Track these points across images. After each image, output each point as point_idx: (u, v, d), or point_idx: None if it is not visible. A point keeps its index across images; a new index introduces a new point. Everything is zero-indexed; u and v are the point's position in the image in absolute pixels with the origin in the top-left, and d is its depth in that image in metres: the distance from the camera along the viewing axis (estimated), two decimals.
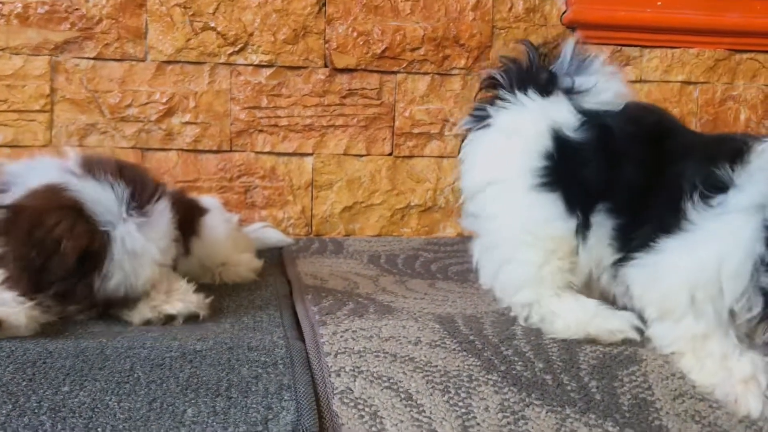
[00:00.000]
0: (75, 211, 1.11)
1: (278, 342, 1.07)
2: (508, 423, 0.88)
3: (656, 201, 1.01)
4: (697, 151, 0.99)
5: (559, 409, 0.91)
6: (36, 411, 0.82)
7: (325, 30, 2.05)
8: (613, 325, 1.05)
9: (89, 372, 0.92)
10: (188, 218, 1.37)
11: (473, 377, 0.97)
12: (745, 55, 2.20)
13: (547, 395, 0.94)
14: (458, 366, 1.00)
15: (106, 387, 0.88)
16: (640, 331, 1.05)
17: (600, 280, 1.13)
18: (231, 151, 2.05)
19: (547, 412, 0.90)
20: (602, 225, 1.07)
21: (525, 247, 1.09)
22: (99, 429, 0.80)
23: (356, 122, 2.09)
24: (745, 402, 0.91)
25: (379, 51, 2.07)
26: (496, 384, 0.96)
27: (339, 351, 1.03)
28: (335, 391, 0.93)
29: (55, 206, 1.10)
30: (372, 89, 2.09)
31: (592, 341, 1.05)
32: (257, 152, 2.07)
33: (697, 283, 0.93)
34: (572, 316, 1.07)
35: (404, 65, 2.09)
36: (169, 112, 2.01)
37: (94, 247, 1.11)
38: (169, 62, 2.00)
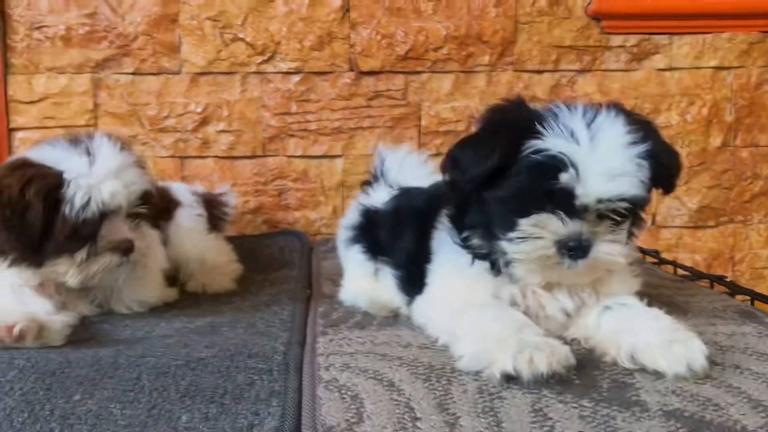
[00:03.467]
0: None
1: (279, 348, 1.14)
2: (484, 401, 0.92)
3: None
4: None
5: (536, 391, 0.95)
6: (48, 419, 0.92)
7: (349, 35, 2.10)
8: (385, 298, 1.31)
9: (100, 381, 1.01)
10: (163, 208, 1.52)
11: (456, 369, 1.02)
12: None
13: (533, 382, 0.97)
14: (443, 362, 1.05)
15: (113, 395, 0.97)
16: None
17: None
18: (264, 156, 2.14)
19: (523, 394, 0.94)
20: (387, 272, 1.33)
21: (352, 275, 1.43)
22: None
23: (383, 123, 2.14)
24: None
25: (402, 52, 2.11)
26: (479, 373, 1.00)
27: (332, 352, 1.10)
28: (321, 381, 1.00)
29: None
30: (397, 90, 2.13)
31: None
32: (289, 156, 2.15)
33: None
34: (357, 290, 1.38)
35: (428, 65, 2.13)
36: (204, 122, 2.12)
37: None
38: (202, 74, 2.10)
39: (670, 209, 2.21)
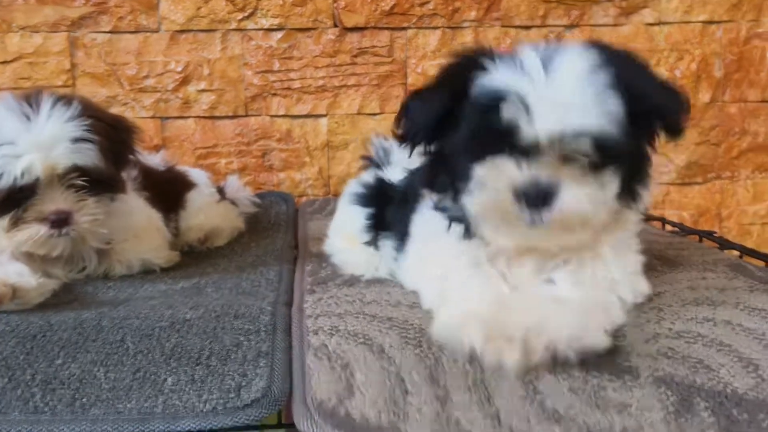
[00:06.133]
0: None
1: (266, 309, 1.12)
2: (475, 373, 0.90)
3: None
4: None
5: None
6: (29, 383, 0.89)
7: None
8: (354, 262, 1.31)
9: (83, 344, 0.99)
10: (175, 193, 1.55)
11: None
12: None
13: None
14: None
15: (96, 359, 0.95)
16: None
17: None
18: (247, 115, 2.10)
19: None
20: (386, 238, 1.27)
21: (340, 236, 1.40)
22: (84, 399, 0.86)
23: (368, 81, 2.10)
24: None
25: (387, 8, 2.06)
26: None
27: (320, 314, 1.08)
28: (310, 348, 0.97)
29: None
30: (383, 47, 2.09)
31: None
32: (272, 116, 2.11)
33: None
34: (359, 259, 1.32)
35: (414, 21, 2.08)
36: (185, 81, 2.07)
37: None
38: (182, 31, 2.04)
39: (657, 165, 2.19)
